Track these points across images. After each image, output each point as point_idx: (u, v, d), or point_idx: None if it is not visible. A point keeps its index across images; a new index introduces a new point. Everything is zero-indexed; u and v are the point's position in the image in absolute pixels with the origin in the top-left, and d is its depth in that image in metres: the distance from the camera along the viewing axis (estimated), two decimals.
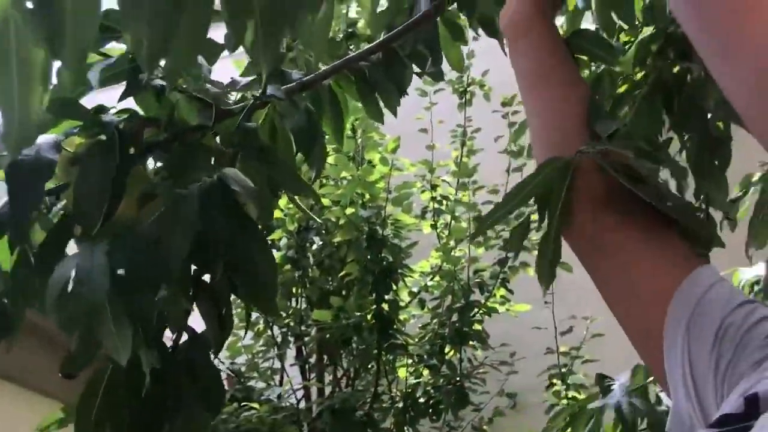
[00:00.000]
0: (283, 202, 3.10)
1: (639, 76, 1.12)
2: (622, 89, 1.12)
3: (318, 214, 3.03)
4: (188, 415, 0.84)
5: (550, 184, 0.73)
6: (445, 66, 1.36)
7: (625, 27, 1.32)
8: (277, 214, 3.08)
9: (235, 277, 0.86)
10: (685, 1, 0.44)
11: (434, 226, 3.49)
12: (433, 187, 3.59)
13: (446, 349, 3.08)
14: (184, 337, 0.90)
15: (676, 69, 1.09)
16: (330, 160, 2.85)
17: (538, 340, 3.21)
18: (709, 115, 1.06)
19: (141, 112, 0.92)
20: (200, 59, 0.98)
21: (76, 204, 0.79)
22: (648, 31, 1.21)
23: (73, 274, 0.76)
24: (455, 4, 1.22)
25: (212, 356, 0.90)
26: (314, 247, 3.26)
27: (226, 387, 3.38)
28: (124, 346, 0.73)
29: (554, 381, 3.01)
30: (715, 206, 1.19)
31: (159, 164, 0.93)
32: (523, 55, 0.77)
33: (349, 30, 2.04)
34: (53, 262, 0.79)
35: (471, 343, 3.13)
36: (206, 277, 0.88)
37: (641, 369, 1.44)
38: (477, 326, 3.09)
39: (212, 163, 0.92)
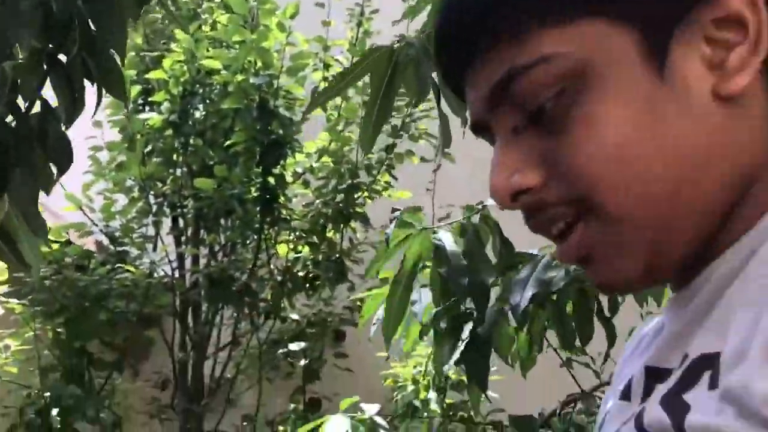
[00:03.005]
0: (168, 62, 2.93)
1: None
2: None
3: (204, 79, 2.89)
4: (38, 168, 0.90)
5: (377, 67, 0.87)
6: None
7: None
8: (160, 74, 2.92)
9: (89, 58, 0.89)
10: None
11: (324, 108, 3.43)
12: (326, 66, 3.51)
13: (328, 228, 3.12)
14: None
15: None
16: (222, 19, 2.70)
17: None
18: None
19: None
20: None
21: None
22: None
23: None
24: None
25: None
26: (197, 115, 3.13)
27: (95, 252, 3.28)
28: None
29: (428, 262, 3.14)
30: None
31: None
32: None
33: None
34: None
35: (352, 224, 3.18)
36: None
37: None
38: (360, 208, 3.13)
39: None
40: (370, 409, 1.38)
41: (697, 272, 0.44)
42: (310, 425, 1.40)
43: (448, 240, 1.07)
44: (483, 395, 1.12)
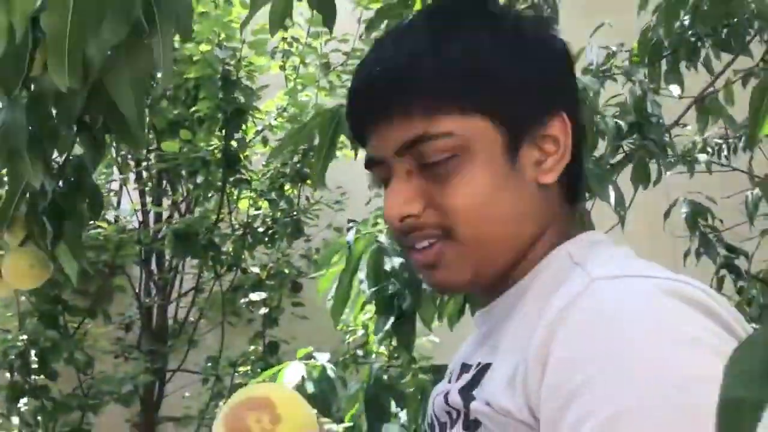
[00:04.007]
0: None
1: None
2: None
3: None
4: (79, 217, 1.16)
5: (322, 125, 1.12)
6: None
7: None
8: None
9: (111, 124, 1.13)
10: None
11: (282, 68, 3.61)
12: (285, 28, 3.67)
13: (286, 187, 3.35)
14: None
15: None
16: None
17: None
18: None
19: None
20: None
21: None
22: None
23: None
24: None
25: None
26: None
27: None
28: (37, 177, 1.02)
29: (378, 220, 3.40)
30: None
31: None
32: None
33: None
34: None
35: (308, 182, 3.42)
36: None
37: None
38: None
39: None
40: (322, 357, 1.65)
41: (501, 292, 0.68)
42: (271, 371, 1.68)
43: (386, 239, 1.35)
44: (410, 357, 1.42)
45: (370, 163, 0.69)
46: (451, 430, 0.64)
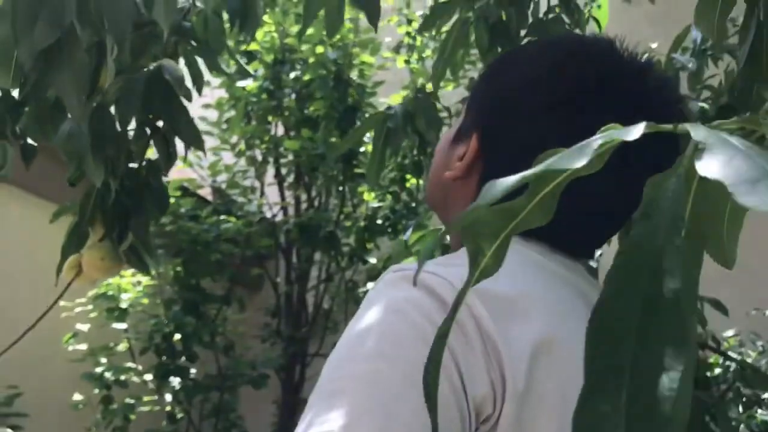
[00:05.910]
0: (260, 35, 3.26)
1: None
2: None
3: (293, 50, 3.20)
4: (145, 212, 1.28)
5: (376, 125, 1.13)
6: None
7: None
8: (253, 46, 3.26)
9: (171, 126, 1.26)
10: None
11: (407, 62, 3.66)
12: (409, 22, 3.73)
13: (407, 178, 3.41)
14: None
15: None
16: None
17: None
18: None
19: None
20: None
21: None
22: None
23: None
24: None
25: (163, 176, 1.34)
26: (291, 75, 3.46)
27: (212, 200, 3.77)
28: (98, 176, 1.15)
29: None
30: None
31: None
32: None
33: None
34: (59, 118, 1.19)
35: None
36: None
37: None
38: None
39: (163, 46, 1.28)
40: None
41: None
42: None
43: None
44: None
45: None
46: None
